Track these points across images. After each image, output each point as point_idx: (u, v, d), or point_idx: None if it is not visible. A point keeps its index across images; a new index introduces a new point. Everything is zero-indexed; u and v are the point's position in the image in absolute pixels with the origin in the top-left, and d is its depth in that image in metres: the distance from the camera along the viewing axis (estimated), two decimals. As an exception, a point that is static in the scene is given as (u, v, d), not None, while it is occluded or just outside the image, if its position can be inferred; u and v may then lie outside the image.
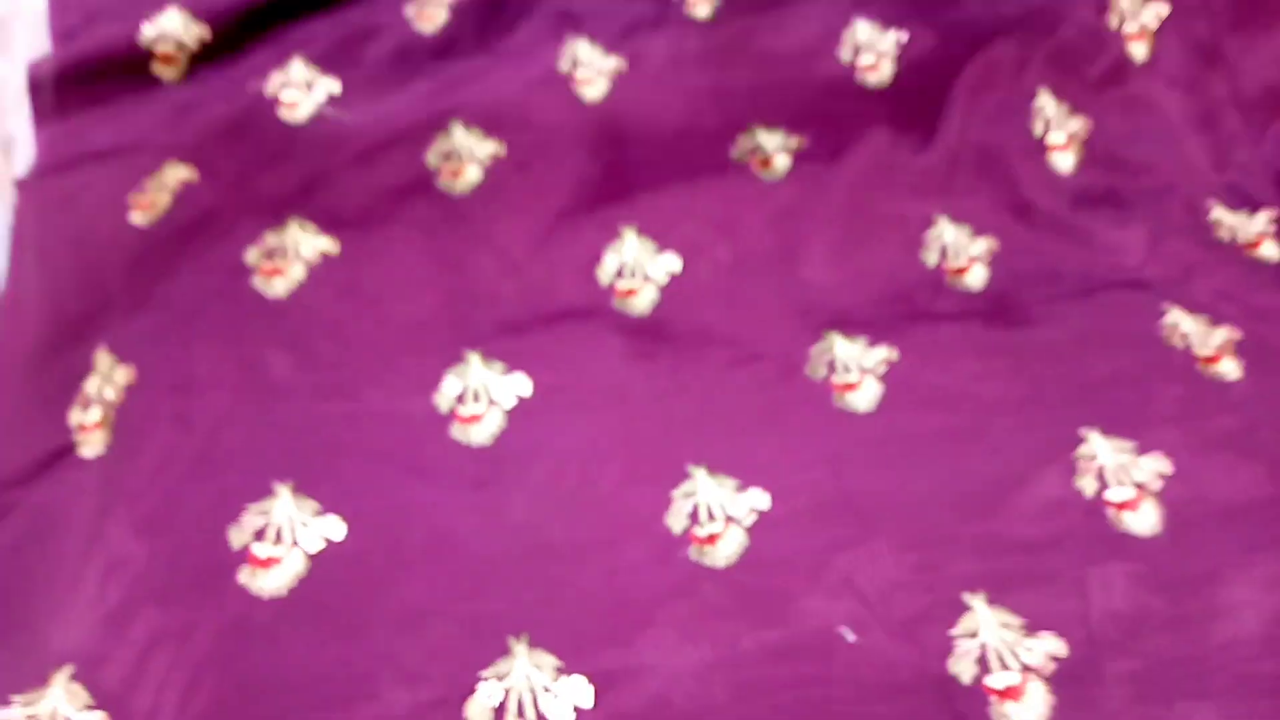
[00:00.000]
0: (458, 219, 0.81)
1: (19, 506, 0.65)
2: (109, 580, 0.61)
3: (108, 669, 0.57)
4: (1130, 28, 1.00)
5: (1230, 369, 0.77)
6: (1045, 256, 0.83)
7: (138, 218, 0.79)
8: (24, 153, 0.93)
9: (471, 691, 0.56)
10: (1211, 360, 0.77)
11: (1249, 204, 0.92)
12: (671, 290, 0.80)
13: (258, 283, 0.75)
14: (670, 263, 0.81)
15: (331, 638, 0.58)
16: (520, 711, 0.55)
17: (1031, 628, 0.60)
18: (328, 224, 0.79)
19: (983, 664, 0.58)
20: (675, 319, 0.78)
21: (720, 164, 0.87)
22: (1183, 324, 0.79)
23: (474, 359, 0.73)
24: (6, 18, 1.00)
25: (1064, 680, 0.58)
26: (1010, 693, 0.57)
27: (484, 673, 0.56)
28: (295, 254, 0.77)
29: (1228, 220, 0.90)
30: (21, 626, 0.60)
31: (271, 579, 0.60)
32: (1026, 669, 0.58)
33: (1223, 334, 0.79)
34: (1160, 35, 0.99)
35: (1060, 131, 0.92)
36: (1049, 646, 0.59)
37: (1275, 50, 0.99)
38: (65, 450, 0.67)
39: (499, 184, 0.83)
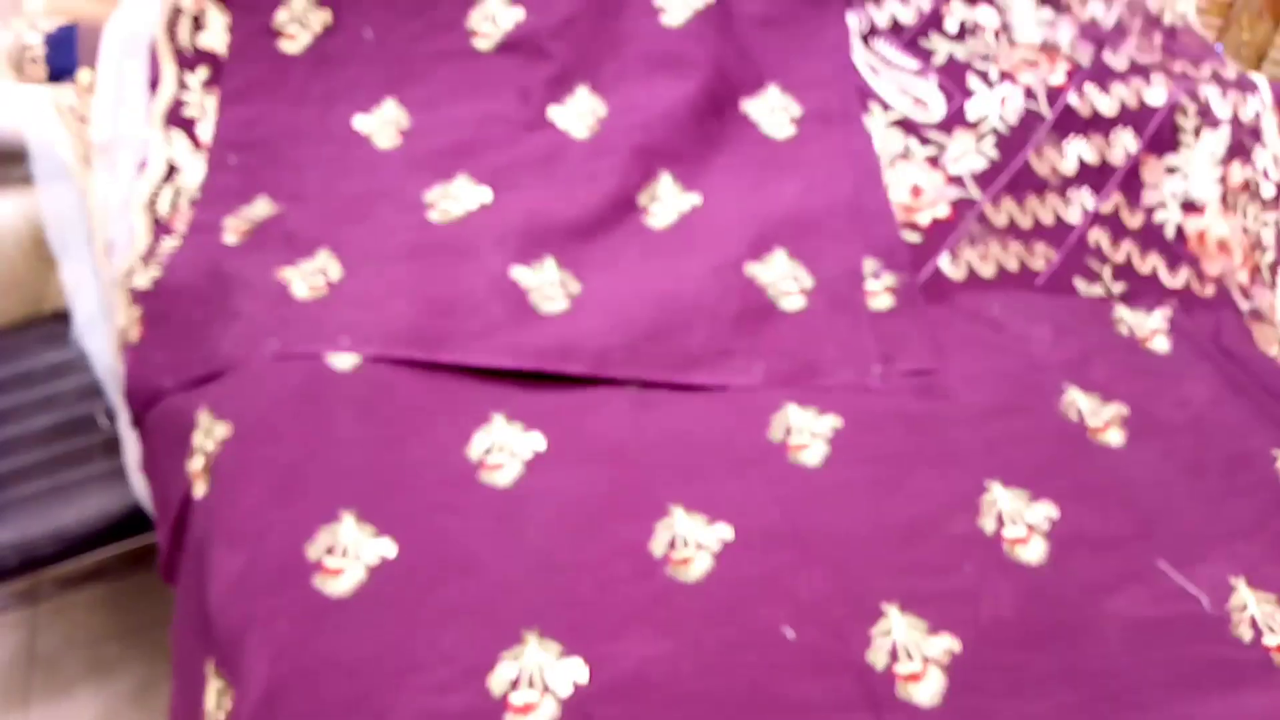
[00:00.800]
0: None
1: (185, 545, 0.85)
2: (210, 585, 0.78)
3: (217, 640, 0.74)
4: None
5: (1115, 437, 0.94)
6: (967, 344, 1.02)
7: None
8: (123, 254, 1.13)
9: (493, 667, 0.72)
10: (1100, 430, 0.95)
11: (1147, 306, 1.11)
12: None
13: (330, 359, 0.94)
14: None
15: (386, 629, 0.74)
16: (530, 683, 0.71)
17: (933, 629, 0.76)
18: None
19: (893, 655, 0.74)
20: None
21: None
22: (1079, 400, 0.97)
23: (498, 419, 0.91)
24: (112, 143, 1.22)
25: (957, 669, 0.73)
26: (913, 677, 0.73)
27: (503, 654, 0.73)
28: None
29: (1128, 318, 1.09)
30: None
31: (339, 584, 0.77)
32: (927, 660, 0.74)
33: (1112, 409, 0.97)
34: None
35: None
36: (946, 644, 0.75)
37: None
38: (188, 494, 0.86)
39: None
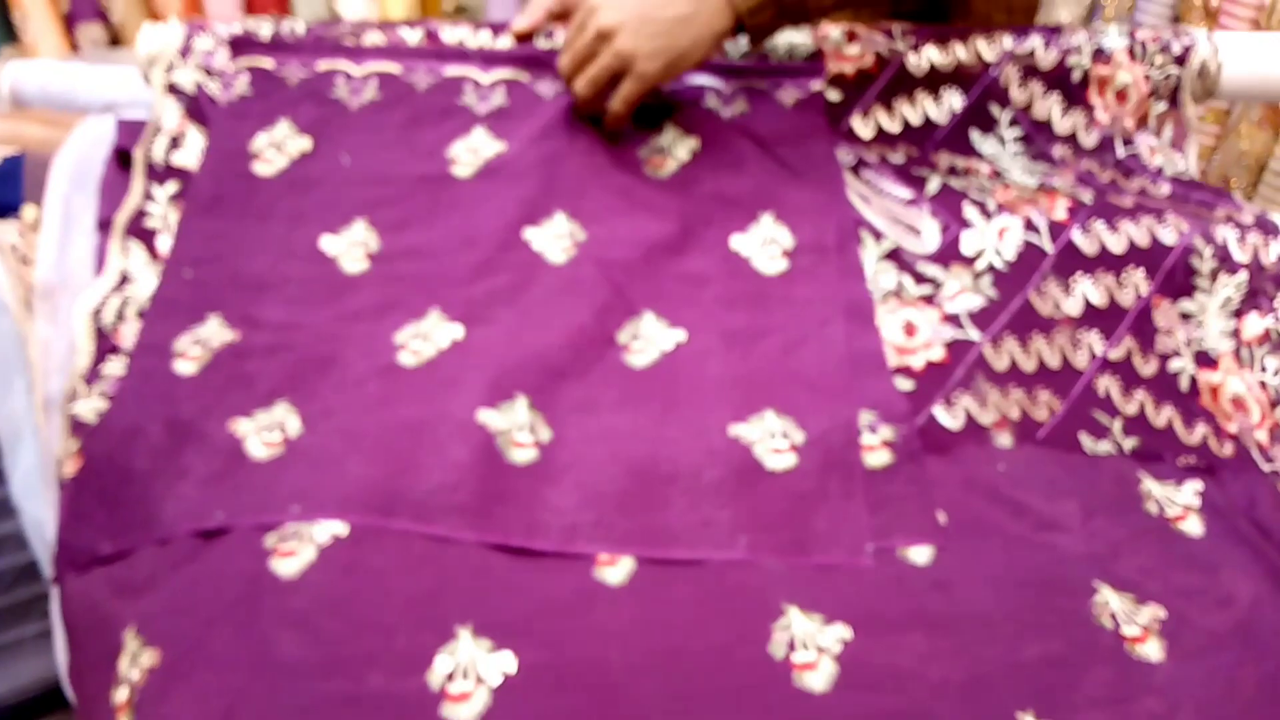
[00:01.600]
0: None
1: None
2: None
3: None
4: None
5: (1154, 650, 0.84)
6: (985, 534, 0.92)
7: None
8: (61, 374, 1.05)
9: None
10: (1138, 640, 0.85)
11: (1176, 478, 1.02)
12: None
13: (273, 564, 0.84)
14: None
15: None
16: None
17: None
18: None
19: None
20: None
21: None
22: (1112, 602, 0.87)
23: (464, 635, 0.81)
24: (55, 288, 1.13)
25: None
26: None
27: None
28: (309, 537, 0.85)
29: (1156, 493, 1.00)
30: None
31: None
32: None
33: (1148, 612, 0.87)
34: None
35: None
36: None
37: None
38: None
39: None
